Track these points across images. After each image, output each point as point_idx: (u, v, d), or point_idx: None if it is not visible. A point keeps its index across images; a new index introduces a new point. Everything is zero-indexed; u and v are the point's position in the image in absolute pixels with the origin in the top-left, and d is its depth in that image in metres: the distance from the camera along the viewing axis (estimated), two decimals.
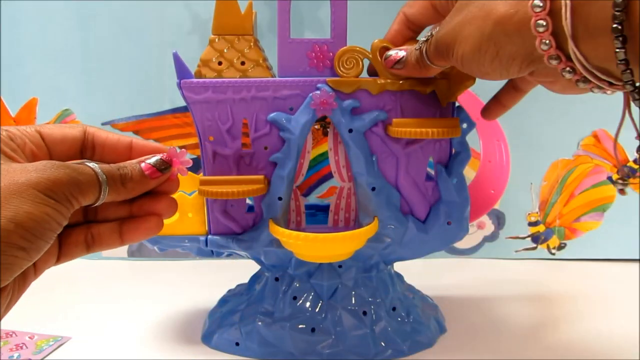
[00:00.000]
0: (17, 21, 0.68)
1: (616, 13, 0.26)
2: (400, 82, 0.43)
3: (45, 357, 0.49)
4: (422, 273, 0.58)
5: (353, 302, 0.48)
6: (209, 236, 0.47)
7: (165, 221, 0.46)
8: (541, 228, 0.73)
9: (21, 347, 0.50)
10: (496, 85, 0.43)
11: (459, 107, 0.46)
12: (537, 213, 0.73)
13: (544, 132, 0.71)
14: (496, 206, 0.64)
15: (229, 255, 0.50)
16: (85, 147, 0.35)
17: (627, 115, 0.32)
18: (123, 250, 0.74)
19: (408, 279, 0.55)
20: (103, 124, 0.72)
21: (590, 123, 0.71)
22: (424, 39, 0.39)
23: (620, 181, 0.33)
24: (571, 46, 0.29)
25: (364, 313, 0.48)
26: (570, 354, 0.49)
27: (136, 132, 0.72)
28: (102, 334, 0.53)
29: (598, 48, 0.28)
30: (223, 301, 0.54)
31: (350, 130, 0.44)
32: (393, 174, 0.46)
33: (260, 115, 0.44)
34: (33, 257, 0.28)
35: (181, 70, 0.44)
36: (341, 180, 0.48)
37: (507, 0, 0.31)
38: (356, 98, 0.44)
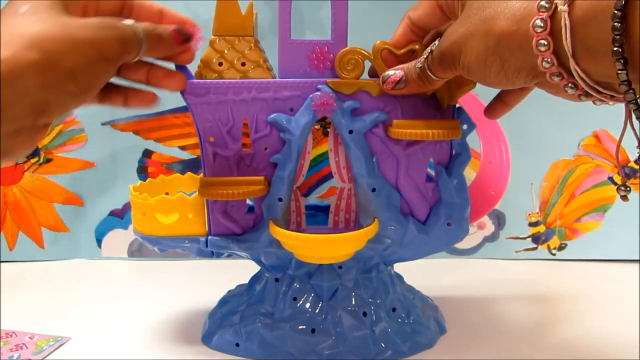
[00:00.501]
0: None
1: (616, 36, 0.27)
2: None
3: (45, 357, 0.49)
4: (422, 273, 0.58)
5: (353, 302, 0.48)
6: (209, 237, 0.47)
7: (166, 222, 0.46)
8: (542, 228, 0.73)
9: (21, 347, 0.50)
10: None
11: (459, 109, 0.46)
12: (537, 213, 0.73)
13: (545, 132, 0.70)
14: (496, 206, 0.64)
15: (229, 256, 0.50)
16: (124, 7, 0.40)
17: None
18: (123, 250, 0.74)
19: (408, 280, 0.55)
20: (103, 124, 0.72)
21: (591, 123, 0.71)
22: (424, 55, 0.39)
23: (622, 188, 0.33)
24: (572, 64, 0.29)
25: (364, 314, 0.48)
26: (571, 354, 0.49)
27: (136, 132, 0.72)
28: (102, 334, 0.53)
29: (599, 67, 0.29)
30: (223, 302, 0.54)
31: (351, 132, 0.44)
32: (393, 175, 0.46)
33: (260, 116, 0.44)
34: (80, 104, 0.34)
35: (181, 71, 0.43)
36: (341, 181, 0.48)
37: (508, 15, 0.31)
38: (357, 99, 0.44)
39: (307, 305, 0.48)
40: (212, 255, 0.49)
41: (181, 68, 0.43)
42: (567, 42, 0.29)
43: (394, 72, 0.41)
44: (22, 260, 0.74)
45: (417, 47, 0.41)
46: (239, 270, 0.56)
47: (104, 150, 0.73)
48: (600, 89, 0.30)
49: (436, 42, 0.38)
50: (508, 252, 0.73)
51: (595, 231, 0.73)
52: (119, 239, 0.74)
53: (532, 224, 0.73)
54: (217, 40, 0.44)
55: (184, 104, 0.45)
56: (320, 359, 0.47)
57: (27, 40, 0.30)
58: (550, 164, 0.72)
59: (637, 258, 0.71)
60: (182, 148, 0.72)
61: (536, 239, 0.73)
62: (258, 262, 0.51)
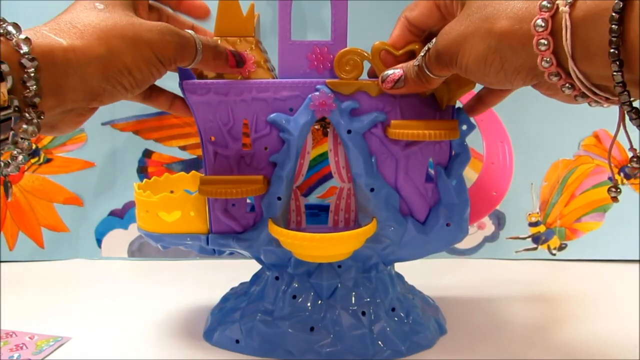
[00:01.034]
0: (17, 21, 0.68)
1: (612, 38, 0.27)
2: None
3: (45, 357, 0.49)
4: (422, 273, 0.58)
5: (352, 302, 0.48)
6: (210, 234, 0.48)
7: (169, 219, 0.47)
8: (542, 228, 0.73)
9: (21, 348, 0.50)
10: None
11: (459, 109, 0.46)
12: (537, 213, 0.73)
13: (545, 132, 0.70)
14: (497, 206, 0.64)
15: (231, 254, 0.50)
16: (161, 16, 0.44)
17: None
18: (123, 250, 0.74)
19: (408, 279, 0.55)
20: (103, 124, 0.72)
21: (591, 123, 0.71)
22: (422, 53, 0.39)
23: (613, 189, 0.34)
24: (571, 65, 0.30)
25: (363, 313, 0.48)
26: (571, 354, 0.49)
27: (136, 132, 0.72)
28: (102, 334, 0.53)
29: (596, 68, 0.29)
30: (225, 299, 0.55)
31: (349, 132, 0.44)
32: (392, 176, 0.46)
33: (260, 116, 0.45)
34: (129, 97, 0.38)
35: (183, 72, 0.44)
36: (341, 181, 0.48)
37: (510, 15, 0.31)
38: (355, 99, 0.44)
39: (307, 303, 0.48)
40: (214, 253, 0.49)
41: (183, 68, 0.43)
42: (567, 43, 0.29)
43: (393, 71, 0.41)
44: (22, 260, 0.74)
45: (416, 47, 0.41)
46: (240, 270, 0.57)
47: (104, 150, 0.73)
48: (597, 91, 0.31)
49: (433, 40, 0.38)
50: (508, 252, 0.73)
51: (595, 231, 0.72)
52: (119, 239, 0.74)
53: (532, 224, 0.73)
54: (219, 41, 0.44)
55: None
56: (318, 358, 0.47)
57: (99, 33, 0.34)
58: (551, 164, 0.72)
59: (637, 258, 0.71)
60: (182, 148, 0.72)
61: (536, 239, 0.73)
62: (258, 260, 0.51)
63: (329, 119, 0.44)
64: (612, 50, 0.27)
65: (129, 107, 0.71)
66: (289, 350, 0.47)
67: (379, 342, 0.48)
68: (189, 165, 0.72)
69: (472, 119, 0.47)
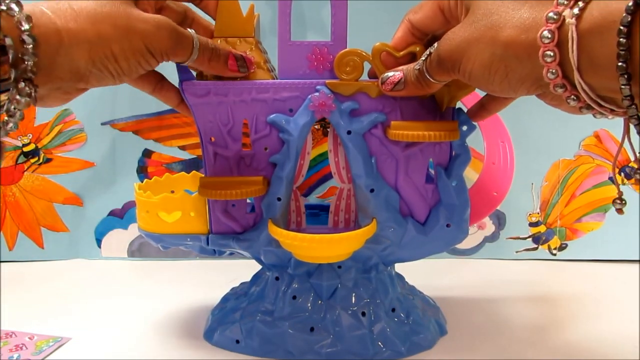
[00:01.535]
0: None
1: (620, 52, 0.27)
2: None
3: (45, 357, 0.49)
4: (423, 273, 0.58)
5: (352, 302, 0.48)
6: (210, 235, 0.48)
7: (169, 220, 0.47)
8: (542, 228, 0.73)
9: (21, 348, 0.50)
10: None
11: (459, 110, 0.46)
12: (538, 213, 0.72)
13: (546, 132, 0.70)
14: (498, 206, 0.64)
15: (231, 254, 0.50)
16: (186, 18, 0.45)
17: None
18: (123, 250, 0.74)
19: (408, 279, 0.55)
20: (103, 124, 0.72)
21: (592, 123, 0.70)
22: (422, 57, 0.39)
23: (618, 201, 0.34)
24: (577, 77, 0.29)
25: (363, 314, 0.48)
26: (571, 354, 0.49)
27: (136, 132, 0.72)
28: (102, 334, 0.53)
29: (602, 80, 0.29)
30: (225, 299, 0.55)
31: (349, 132, 0.44)
32: (392, 176, 0.46)
33: (260, 117, 0.45)
34: (118, 82, 0.39)
35: (183, 72, 0.44)
36: (341, 181, 0.48)
37: (516, 24, 0.31)
38: (355, 100, 0.44)
39: (307, 304, 0.48)
40: (214, 253, 0.49)
41: (182, 68, 0.43)
42: (573, 55, 0.29)
43: (393, 74, 0.41)
44: (22, 260, 0.74)
45: (417, 49, 0.41)
46: (241, 270, 0.57)
47: (104, 150, 0.73)
48: (602, 103, 0.30)
49: (435, 44, 0.37)
50: (508, 252, 0.73)
51: (595, 231, 0.72)
52: (119, 239, 0.74)
53: (532, 224, 0.73)
54: (219, 42, 0.44)
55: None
56: (318, 358, 0.47)
57: (92, 18, 0.35)
58: (551, 164, 0.72)
59: (637, 258, 0.71)
60: (182, 148, 0.72)
61: (537, 239, 0.73)
62: (258, 260, 0.51)
63: (328, 119, 0.44)
64: (620, 64, 0.27)
65: (128, 108, 0.71)
66: (289, 350, 0.47)
67: (379, 343, 0.48)
68: (189, 165, 0.72)
69: None
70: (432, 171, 0.47)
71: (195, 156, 0.72)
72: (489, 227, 0.73)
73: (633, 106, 0.28)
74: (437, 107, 0.44)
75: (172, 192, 0.52)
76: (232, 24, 0.44)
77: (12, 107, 0.33)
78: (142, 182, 0.52)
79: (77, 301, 0.61)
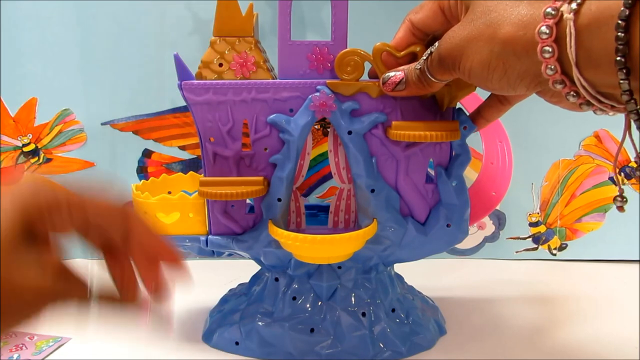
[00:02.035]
0: (17, 21, 0.68)
1: (619, 46, 0.27)
2: None
3: (44, 357, 0.49)
4: (422, 273, 0.58)
5: (352, 303, 0.48)
6: (210, 236, 0.47)
7: (167, 221, 0.47)
8: (542, 228, 0.73)
9: (21, 348, 0.50)
10: None
11: (459, 110, 0.46)
12: (538, 213, 0.72)
13: (546, 132, 0.70)
14: (497, 207, 0.64)
15: (230, 255, 0.50)
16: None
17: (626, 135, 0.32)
18: None
19: (408, 280, 0.55)
20: (102, 124, 0.72)
21: (592, 123, 0.70)
22: (423, 57, 0.39)
23: (619, 199, 0.34)
24: (575, 73, 0.29)
25: (363, 314, 0.48)
26: (571, 354, 0.49)
27: (136, 132, 0.72)
28: (102, 334, 0.53)
29: (601, 76, 0.29)
30: (224, 300, 0.55)
31: (350, 132, 0.44)
32: (393, 176, 0.46)
33: (260, 117, 0.44)
34: None
35: (182, 72, 0.44)
36: (341, 181, 0.48)
37: (514, 21, 0.31)
38: (356, 100, 0.44)
39: (307, 305, 0.48)
40: (213, 254, 0.49)
41: (182, 68, 0.43)
42: (571, 50, 0.29)
43: (394, 74, 0.41)
44: None
45: (418, 49, 0.41)
46: (240, 270, 0.56)
47: (103, 150, 0.72)
48: (602, 99, 0.30)
49: (436, 44, 0.37)
50: (508, 253, 0.73)
51: (595, 231, 0.72)
52: None
53: (532, 224, 0.73)
54: (218, 41, 0.44)
55: (183, 103, 0.45)
56: (318, 359, 0.47)
57: None
58: (551, 164, 0.72)
59: (637, 258, 0.71)
60: (182, 148, 0.72)
61: (537, 239, 0.73)
62: (258, 261, 0.51)
63: (329, 119, 0.44)
64: (618, 58, 0.27)
65: (128, 107, 0.71)
66: (289, 351, 0.47)
67: (379, 343, 0.48)
68: (188, 165, 0.72)
69: None
70: (431, 172, 0.47)
71: (195, 156, 0.72)
72: (489, 227, 0.73)
73: (632, 101, 0.28)
74: (438, 107, 0.44)
75: (169, 192, 0.52)
76: (231, 23, 0.43)
77: None
78: (142, 182, 0.52)
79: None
